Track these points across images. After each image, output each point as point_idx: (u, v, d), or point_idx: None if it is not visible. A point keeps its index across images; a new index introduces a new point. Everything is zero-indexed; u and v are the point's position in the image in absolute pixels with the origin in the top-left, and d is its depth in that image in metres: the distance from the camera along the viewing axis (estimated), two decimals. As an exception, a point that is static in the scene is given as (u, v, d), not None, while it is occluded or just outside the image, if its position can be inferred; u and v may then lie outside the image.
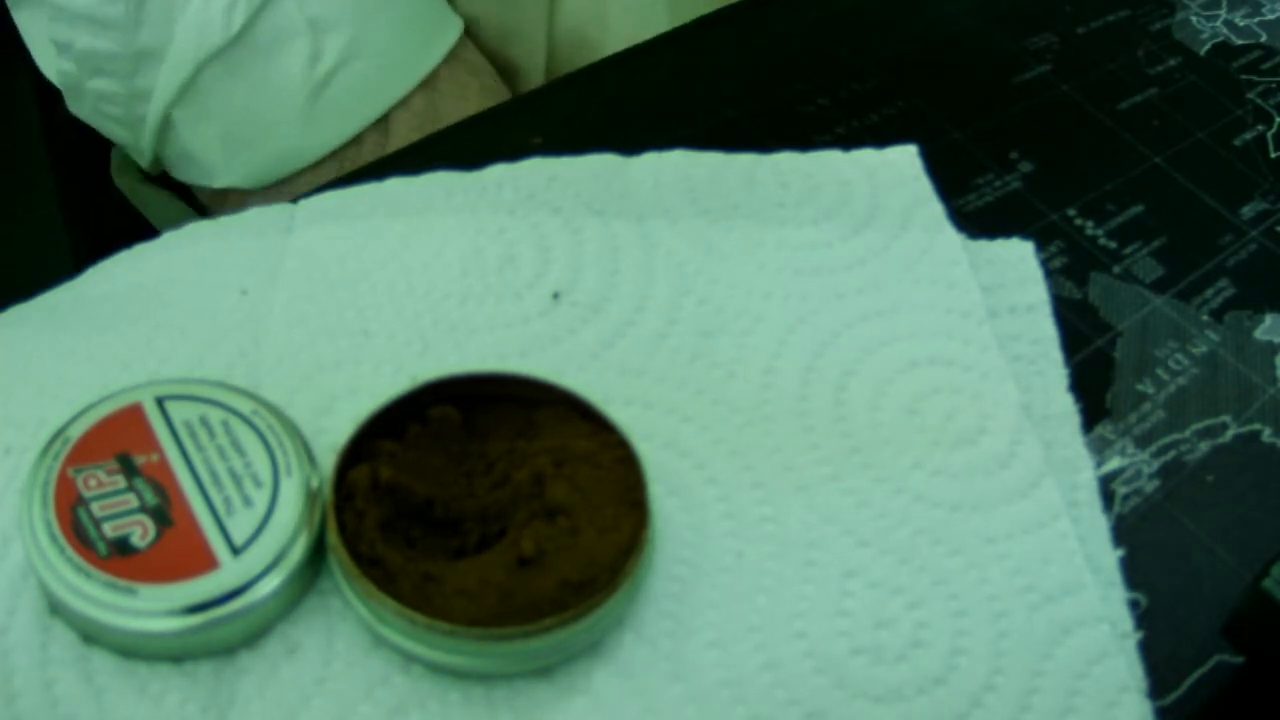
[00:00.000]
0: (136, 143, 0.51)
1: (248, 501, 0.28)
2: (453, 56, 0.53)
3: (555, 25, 0.57)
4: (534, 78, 0.58)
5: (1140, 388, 0.38)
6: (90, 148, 0.58)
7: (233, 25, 0.47)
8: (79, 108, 0.51)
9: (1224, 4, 0.54)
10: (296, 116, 0.49)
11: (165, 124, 0.49)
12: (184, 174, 0.52)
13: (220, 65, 0.48)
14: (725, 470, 0.32)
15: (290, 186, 0.51)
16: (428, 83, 0.52)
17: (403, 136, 0.51)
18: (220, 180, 0.51)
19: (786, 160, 0.40)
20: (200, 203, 0.56)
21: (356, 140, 0.50)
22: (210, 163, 0.51)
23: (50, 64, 0.51)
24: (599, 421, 0.31)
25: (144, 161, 0.52)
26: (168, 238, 0.36)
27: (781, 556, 0.30)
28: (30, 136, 0.56)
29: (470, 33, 0.57)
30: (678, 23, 0.49)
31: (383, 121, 0.51)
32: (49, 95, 0.54)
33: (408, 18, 0.52)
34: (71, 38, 0.47)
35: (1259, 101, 0.49)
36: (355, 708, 0.27)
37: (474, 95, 0.54)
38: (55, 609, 0.27)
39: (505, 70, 0.58)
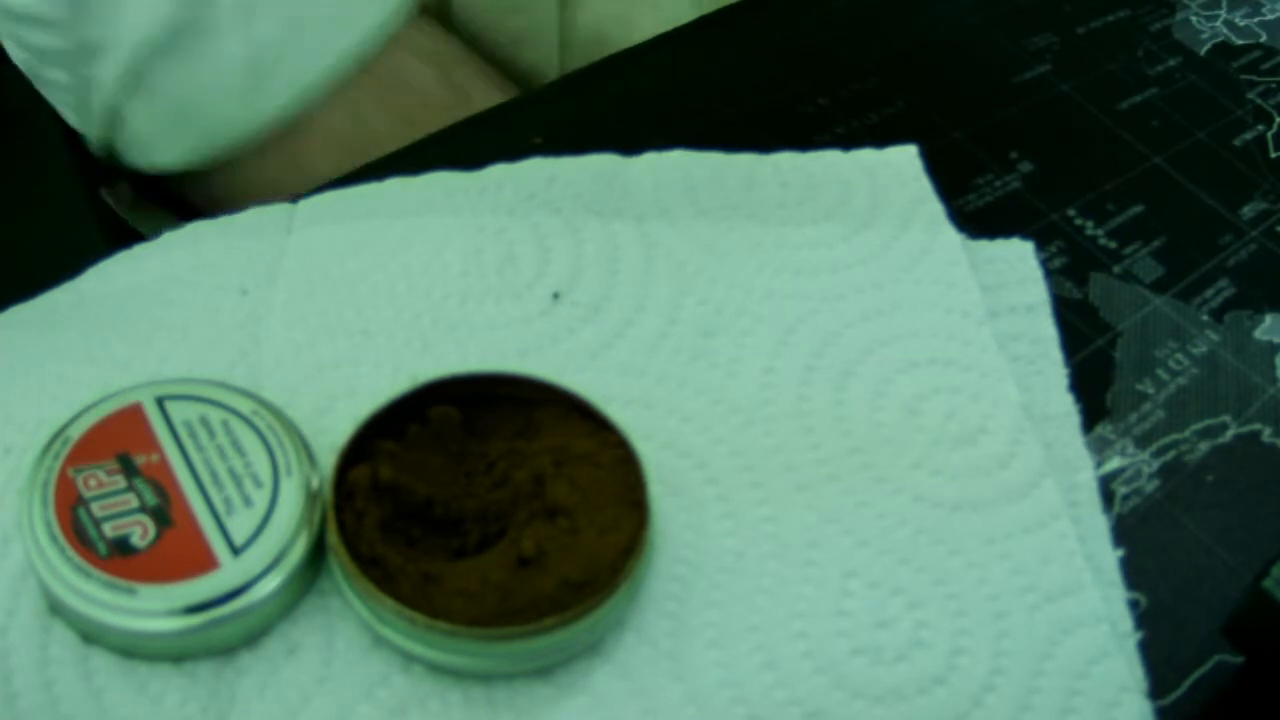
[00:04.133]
0: (89, 130, 0.53)
1: (248, 501, 0.28)
2: (396, 40, 0.53)
3: (571, 27, 0.57)
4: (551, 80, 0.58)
5: (1140, 388, 0.37)
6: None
7: (174, 13, 0.48)
8: (46, 94, 0.53)
9: (1224, 4, 0.54)
10: (238, 96, 0.50)
11: (114, 112, 0.51)
12: (135, 159, 0.54)
13: (163, 52, 0.49)
14: (725, 470, 0.32)
15: (240, 168, 0.52)
16: (372, 64, 0.52)
17: (349, 117, 0.52)
18: (168, 161, 0.52)
19: (786, 160, 0.40)
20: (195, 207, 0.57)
21: (302, 121, 0.51)
22: (159, 146, 0.52)
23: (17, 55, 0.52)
24: (599, 421, 0.31)
25: (96, 148, 0.54)
26: (168, 238, 0.36)
27: (781, 556, 0.30)
28: (52, 142, 0.57)
29: (479, 40, 0.57)
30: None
31: (326, 101, 0.51)
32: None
33: None
34: (19, 34, 0.49)
35: (1259, 101, 0.49)
36: (355, 708, 0.27)
37: (427, 77, 0.54)
38: (55, 609, 0.27)
39: (520, 75, 0.58)
